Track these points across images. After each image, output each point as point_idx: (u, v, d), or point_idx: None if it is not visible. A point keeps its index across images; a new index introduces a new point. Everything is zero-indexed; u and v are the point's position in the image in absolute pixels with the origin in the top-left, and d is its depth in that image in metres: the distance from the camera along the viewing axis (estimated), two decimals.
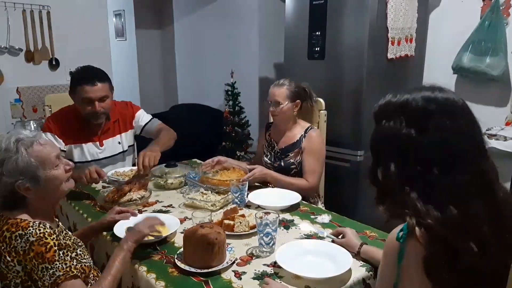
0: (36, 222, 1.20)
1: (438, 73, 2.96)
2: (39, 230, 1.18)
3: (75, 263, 1.19)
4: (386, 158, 0.93)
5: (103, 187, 2.08)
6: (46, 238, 1.17)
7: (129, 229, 1.53)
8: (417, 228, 0.85)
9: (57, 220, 1.41)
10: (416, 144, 0.89)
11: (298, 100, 2.18)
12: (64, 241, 1.21)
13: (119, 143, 2.34)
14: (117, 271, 1.27)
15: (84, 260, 1.27)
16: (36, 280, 1.16)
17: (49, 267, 1.15)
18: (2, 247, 1.17)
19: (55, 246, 1.17)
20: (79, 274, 1.19)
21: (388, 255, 0.92)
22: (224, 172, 2.12)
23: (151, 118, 2.42)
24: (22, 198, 1.24)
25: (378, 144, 0.98)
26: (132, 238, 1.36)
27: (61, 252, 1.17)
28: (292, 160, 2.16)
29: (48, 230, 1.19)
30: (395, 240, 0.89)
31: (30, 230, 1.17)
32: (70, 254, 1.20)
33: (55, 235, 1.20)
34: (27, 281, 1.18)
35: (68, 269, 1.17)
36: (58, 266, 1.15)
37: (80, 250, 1.30)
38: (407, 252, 0.87)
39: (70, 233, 1.43)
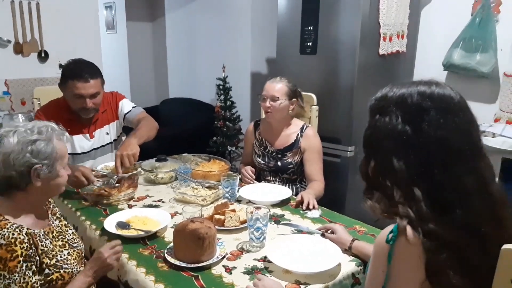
0: (14, 225, 1.16)
1: (429, 69, 2.97)
2: (13, 234, 1.14)
3: (33, 280, 1.15)
4: (385, 154, 0.91)
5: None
6: (16, 245, 1.13)
7: (119, 224, 1.53)
8: (408, 229, 0.84)
9: (53, 217, 1.38)
10: (413, 141, 0.88)
11: (294, 99, 2.14)
12: (31, 251, 1.16)
13: (107, 133, 2.30)
14: None
15: (65, 266, 1.24)
16: None
17: (7, 276, 1.11)
18: None
19: (20, 256, 1.13)
20: None
21: (377, 257, 0.91)
22: (206, 163, 2.16)
23: (134, 107, 2.34)
24: (20, 186, 1.21)
25: (375, 139, 0.94)
26: (99, 271, 1.29)
27: (24, 265, 1.14)
28: (290, 160, 2.15)
29: (22, 237, 1.15)
30: (385, 242, 0.87)
31: (4, 231, 1.13)
32: (33, 268, 1.16)
33: (26, 244, 1.15)
34: None
35: (24, 285, 1.13)
36: (16, 279, 1.12)
37: (66, 254, 1.28)
38: (397, 253, 0.86)
39: (69, 232, 1.40)
